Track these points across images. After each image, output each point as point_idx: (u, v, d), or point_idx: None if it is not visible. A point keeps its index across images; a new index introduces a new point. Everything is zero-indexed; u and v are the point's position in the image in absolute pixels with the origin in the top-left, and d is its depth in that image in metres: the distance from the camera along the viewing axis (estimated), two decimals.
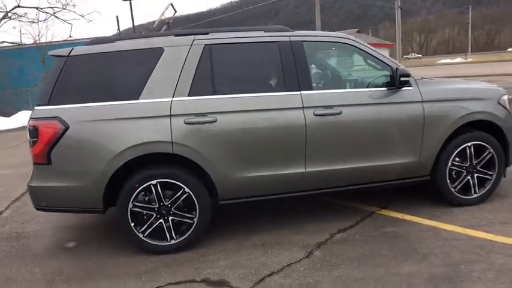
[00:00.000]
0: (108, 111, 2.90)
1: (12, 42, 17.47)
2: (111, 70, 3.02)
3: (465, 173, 3.53)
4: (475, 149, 3.50)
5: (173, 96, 2.97)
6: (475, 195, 3.56)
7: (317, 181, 3.24)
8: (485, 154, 3.52)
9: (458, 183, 3.52)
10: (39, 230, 3.76)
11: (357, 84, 3.65)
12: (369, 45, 3.42)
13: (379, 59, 3.37)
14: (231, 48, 3.15)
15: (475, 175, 3.54)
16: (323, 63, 4.03)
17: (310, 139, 3.11)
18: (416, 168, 3.41)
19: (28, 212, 4.09)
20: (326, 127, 3.14)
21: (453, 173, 3.52)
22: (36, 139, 2.84)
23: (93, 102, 2.92)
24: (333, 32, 3.43)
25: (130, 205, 2.95)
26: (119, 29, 16.40)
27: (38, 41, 16.74)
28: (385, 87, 3.31)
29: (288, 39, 3.20)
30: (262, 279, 2.64)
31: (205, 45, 3.09)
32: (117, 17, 16.41)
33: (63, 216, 3.87)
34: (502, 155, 3.55)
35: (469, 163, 3.51)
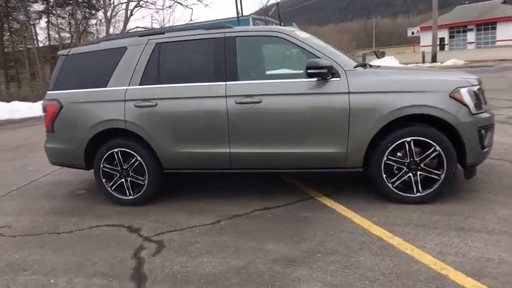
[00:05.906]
0: (87, 95, 3.91)
1: (144, 28, 21.02)
2: (93, 64, 3.99)
3: (406, 170, 3.35)
4: (419, 146, 3.28)
5: (128, 85, 3.78)
6: (418, 194, 3.35)
7: (243, 161, 3.63)
8: (429, 151, 3.26)
9: (397, 179, 3.37)
10: (71, 180, 5.15)
11: (293, 75, 3.73)
12: (300, 39, 3.51)
13: (310, 52, 3.45)
14: (175, 45, 3.74)
15: (418, 173, 3.33)
16: (263, 56, 4.21)
17: (232, 124, 3.51)
18: (344, 159, 3.42)
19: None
20: (246, 114, 3.48)
21: (394, 168, 3.39)
22: (46, 114, 4.07)
23: (80, 88, 3.97)
24: (268, 26, 3.62)
25: (102, 165, 3.94)
26: (237, 13, 17.88)
27: (163, 26, 19.69)
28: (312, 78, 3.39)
29: (223, 36, 3.60)
30: (162, 233, 3.29)
31: (156, 43, 3.77)
32: (236, 0, 17.93)
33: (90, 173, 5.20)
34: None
35: (410, 159, 3.32)
